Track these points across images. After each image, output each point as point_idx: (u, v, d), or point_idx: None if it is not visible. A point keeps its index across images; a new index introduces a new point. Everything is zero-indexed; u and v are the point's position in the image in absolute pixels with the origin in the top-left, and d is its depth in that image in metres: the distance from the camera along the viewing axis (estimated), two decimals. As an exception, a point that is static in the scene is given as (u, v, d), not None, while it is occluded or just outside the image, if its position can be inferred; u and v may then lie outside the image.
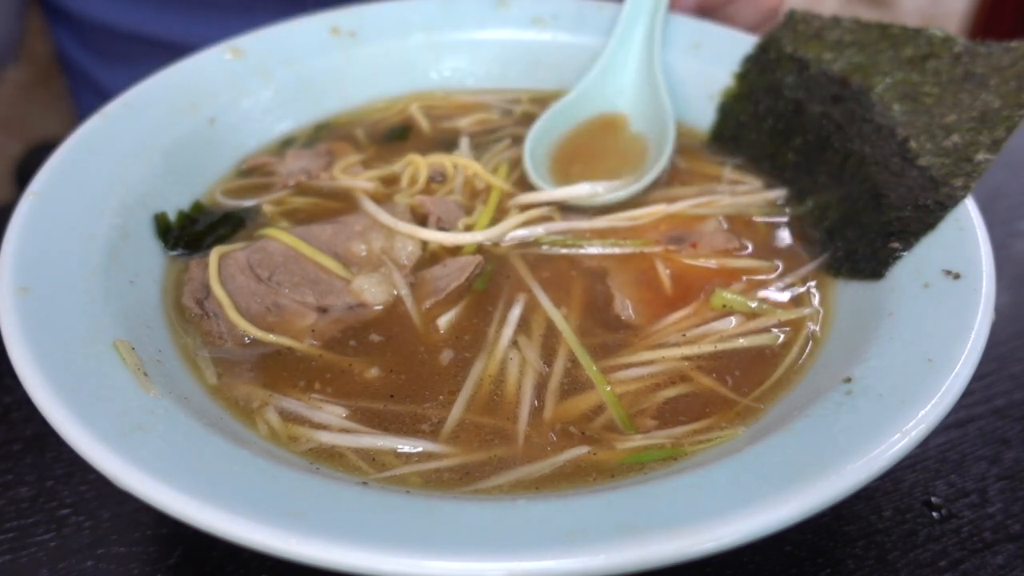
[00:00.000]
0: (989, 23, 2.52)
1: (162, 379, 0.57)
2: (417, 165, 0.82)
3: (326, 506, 0.47)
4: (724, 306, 0.68)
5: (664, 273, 0.72)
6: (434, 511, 0.48)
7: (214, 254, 0.70)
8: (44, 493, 0.65)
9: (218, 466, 0.50)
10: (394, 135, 0.89)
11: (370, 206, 0.76)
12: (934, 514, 0.64)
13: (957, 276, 0.61)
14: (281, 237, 0.72)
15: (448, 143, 0.87)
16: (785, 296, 0.69)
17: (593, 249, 0.74)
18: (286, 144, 0.87)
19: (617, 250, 0.74)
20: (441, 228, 0.75)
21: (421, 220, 0.76)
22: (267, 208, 0.78)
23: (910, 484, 0.66)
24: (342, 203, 0.79)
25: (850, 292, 0.67)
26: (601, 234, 0.76)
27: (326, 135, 0.89)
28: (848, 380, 0.55)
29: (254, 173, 0.83)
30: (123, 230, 0.69)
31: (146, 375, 0.56)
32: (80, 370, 0.55)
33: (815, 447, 0.50)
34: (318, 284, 0.69)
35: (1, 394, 0.71)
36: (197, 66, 0.84)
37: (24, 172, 1.38)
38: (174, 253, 0.72)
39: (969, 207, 0.66)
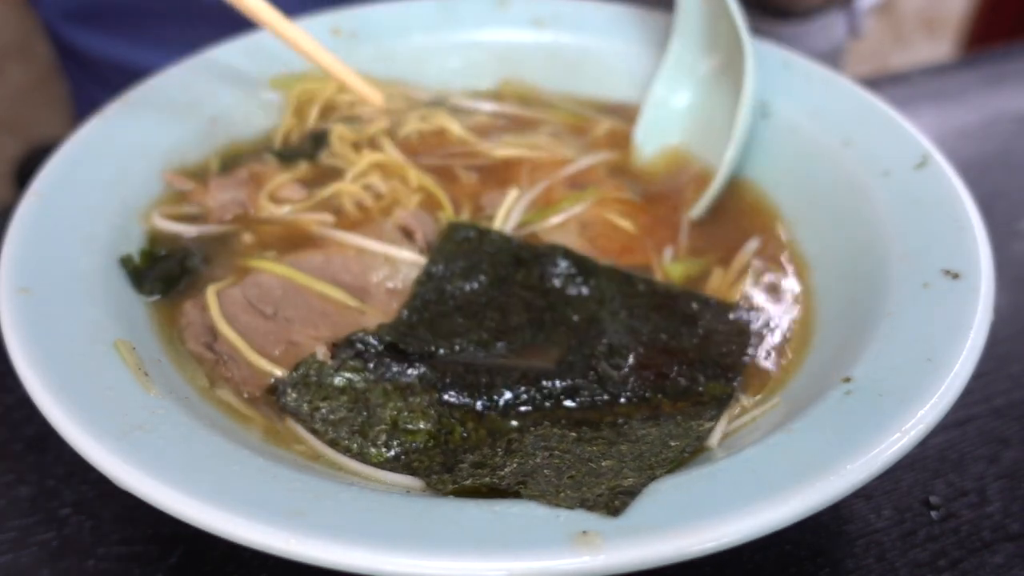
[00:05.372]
0: (989, 23, 2.52)
1: (162, 379, 0.57)
2: (345, 191, 0.75)
3: (326, 506, 0.47)
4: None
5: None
6: (434, 511, 0.48)
7: (211, 293, 0.65)
8: (45, 493, 0.65)
9: (218, 466, 0.50)
10: (306, 149, 0.81)
11: (355, 239, 0.70)
12: (933, 513, 0.64)
13: (956, 276, 0.61)
14: (273, 268, 0.67)
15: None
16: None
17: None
18: (195, 174, 0.78)
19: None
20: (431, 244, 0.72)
21: (405, 231, 0.73)
22: (246, 238, 0.72)
23: (909, 484, 0.66)
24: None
25: (849, 292, 0.67)
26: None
27: (240, 161, 0.80)
28: (848, 380, 0.55)
29: (183, 200, 0.75)
30: (123, 230, 0.69)
31: (146, 375, 0.56)
32: (80, 370, 0.55)
33: (814, 447, 0.50)
34: (328, 317, 0.65)
35: (1, 394, 0.71)
36: (197, 66, 0.84)
37: (24, 172, 1.38)
38: (151, 299, 0.66)
39: (969, 207, 0.66)
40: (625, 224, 0.75)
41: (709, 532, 0.45)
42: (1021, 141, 1.07)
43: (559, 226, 0.74)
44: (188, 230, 0.72)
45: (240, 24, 0.87)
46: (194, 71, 0.84)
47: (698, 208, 0.77)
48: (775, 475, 0.48)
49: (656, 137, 0.86)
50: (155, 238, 0.71)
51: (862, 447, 0.49)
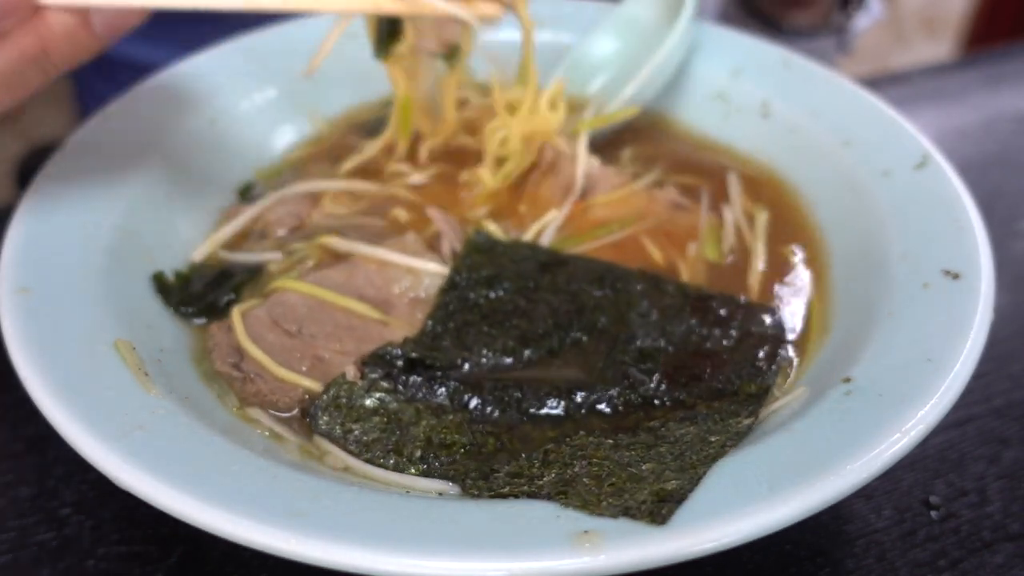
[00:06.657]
0: (989, 23, 2.52)
1: (163, 379, 0.57)
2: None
3: (326, 506, 0.47)
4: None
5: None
6: (434, 511, 0.48)
7: (236, 314, 0.65)
8: (45, 493, 0.65)
9: (218, 466, 0.50)
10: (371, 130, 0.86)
11: (378, 252, 0.70)
12: (933, 513, 0.64)
13: (956, 276, 0.61)
14: (297, 287, 0.67)
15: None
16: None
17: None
18: (244, 192, 0.81)
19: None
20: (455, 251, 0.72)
21: (429, 241, 0.73)
22: (271, 267, 0.72)
23: (909, 484, 0.66)
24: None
25: (850, 292, 0.67)
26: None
27: (291, 176, 0.83)
28: (848, 380, 0.55)
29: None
30: (124, 230, 0.69)
31: (147, 375, 0.56)
32: (80, 370, 0.55)
33: (815, 447, 0.50)
34: (353, 331, 0.65)
35: (1, 394, 0.71)
36: (197, 66, 0.84)
37: (24, 172, 1.38)
38: (177, 313, 0.67)
39: (969, 207, 0.66)
40: (655, 252, 0.73)
41: (709, 532, 0.45)
42: (1021, 141, 1.07)
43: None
44: (247, 257, 0.73)
45: (246, 22, 0.87)
46: (196, 70, 0.84)
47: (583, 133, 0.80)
48: (775, 475, 0.48)
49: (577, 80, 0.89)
50: (194, 268, 0.72)
51: (862, 447, 0.49)
